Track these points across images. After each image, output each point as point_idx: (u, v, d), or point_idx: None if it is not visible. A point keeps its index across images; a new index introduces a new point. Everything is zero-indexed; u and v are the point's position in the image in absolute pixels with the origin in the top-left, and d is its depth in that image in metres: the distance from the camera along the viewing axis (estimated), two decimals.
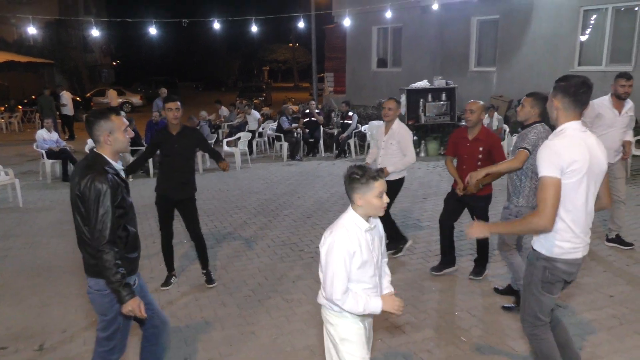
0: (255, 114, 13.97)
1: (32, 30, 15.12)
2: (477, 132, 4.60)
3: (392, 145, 5.26)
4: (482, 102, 4.69)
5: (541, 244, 2.68)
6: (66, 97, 16.51)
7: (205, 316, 4.31)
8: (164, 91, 13.66)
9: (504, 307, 4.25)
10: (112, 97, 23.21)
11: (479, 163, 4.54)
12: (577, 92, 2.55)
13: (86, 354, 3.76)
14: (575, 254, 2.63)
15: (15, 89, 26.10)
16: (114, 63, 45.55)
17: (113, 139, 2.73)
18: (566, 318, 4.02)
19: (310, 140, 12.63)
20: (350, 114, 12.43)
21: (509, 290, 4.46)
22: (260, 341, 3.88)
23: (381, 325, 4.03)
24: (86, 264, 2.74)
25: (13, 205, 8.17)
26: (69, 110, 16.58)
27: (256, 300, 4.60)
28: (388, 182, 5.04)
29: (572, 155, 2.48)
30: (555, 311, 2.94)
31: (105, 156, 2.72)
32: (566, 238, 2.59)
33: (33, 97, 25.72)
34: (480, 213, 4.66)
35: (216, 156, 5.07)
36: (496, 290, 4.58)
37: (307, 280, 5.01)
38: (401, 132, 5.25)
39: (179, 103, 4.65)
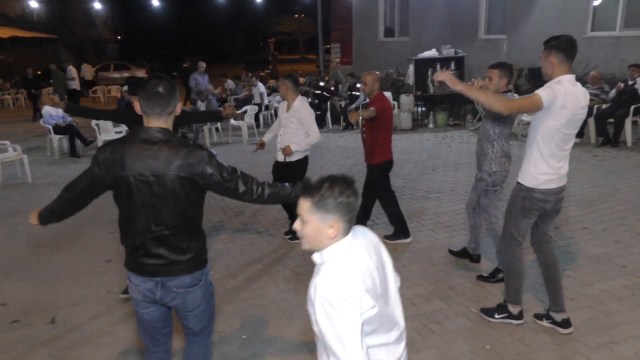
0: (260, 87, 13.82)
1: (34, 3, 14.94)
2: (370, 100, 4.96)
3: (292, 123, 5.03)
4: (377, 72, 5.15)
5: (523, 177, 3.23)
6: (74, 71, 16.40)
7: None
8: (202, 65, 13.19)
9: (478, 277, 4.28)
10: (88, 72, 22.52)
11: (363, 129, 5.01)
12: (568, 48, 3.03)
13: (97, 327, 3.80)
14: (549, 185, 3.16)
15: (19, 65, 25.97)
16: (118, 37, 45.14)
17: (179, 110, 2.41)
18: (576, 289, 4.00)
19: (317, 112, 12.50)
20: (359, 85, 12.25)
21: (463, 253, 4.65)
22: (271, 314, 3.89)
23: None
24: (172, 263, 2.30)
25: (22, 181, 8.20)
26: (76, 84, 16.46)
27: (265, 274, 4.60)
28: (291, 162, 5.09)
29: (565, 102, 2.97)
30: (554, 250, 3.51)
31: (172, 131, 2.35)
32: (543, 171, 3.14)
33: (39, 72, 25.67)
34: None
35: (215, 115, 4.89)
36: (450, 251, 4.76)
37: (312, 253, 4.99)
38: (302, 110, 5.03)
39: None
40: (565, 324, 3.40)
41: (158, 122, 2.27)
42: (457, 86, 3.00)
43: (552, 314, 3.47)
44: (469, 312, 3.75)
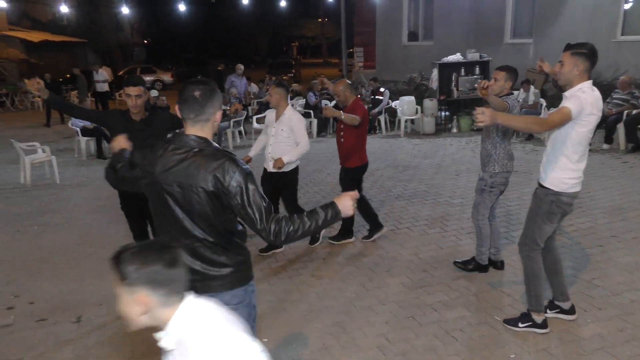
0: None
1: (64, 9, 15.33)
2: (349, 107, 5.03)
3: (283, 132, 4.92)
4: (345, 79, 5.26)
5: (550, 182, 3.26)
6: (105, 73, 16.58)
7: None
8: (240, 67, 13.15)
9: (455, 263, 4.60)
10: (107, 75, 21.12)
11: (342, 133, 5.07)
12: (594, 57, 3.12)
13: (121, 327, 3.85)
14: (576, 188, 3.27)
15: (49, 68, 26.62)
16: (145, 42, 45.94)
17: (219, 118, 2.24)
18: (604, 298, 3.90)
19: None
20: (382, 89, 12.21)
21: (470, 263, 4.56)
22: (291, 317, 3.89)
23: (412, 303, 3.99)
24: (209, 278, 2.17)
25: (50, 182, 8.38)
26: (104, 86, 16.65)
27: (286, 277, 4.61)
28: (283, 173, 4.98)
29: (592, 109, 3.08)
30: (554, 242, 3.58)
31: (210, 140, 2.19)
32: (571, 175, 3.23)
33: (67, 75, 26.26)
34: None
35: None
36: (456, 264, 4.62)
37: (336, 257, 4.98)
38: (294, 119, 4.93)
39: (142, 88, 3.78)
40: (572, 310, 3.61)
41: (194, 128, 2.16)
42: (498, 120, 3.01)
43: (559, 303, 3.60)
44: (493, 320, 3.69)
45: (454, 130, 11.73)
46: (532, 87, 10.53)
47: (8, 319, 4.07)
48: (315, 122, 12.05)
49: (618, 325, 3.52)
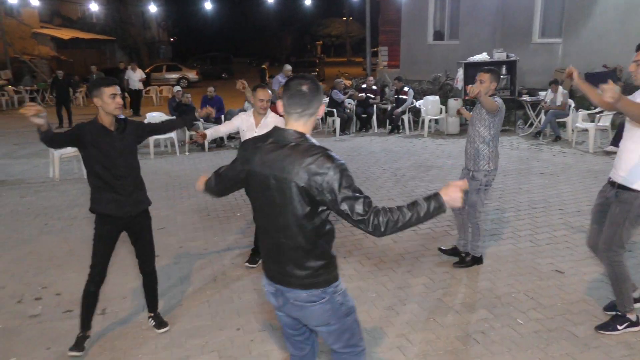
0: None
1: (94, 7, 15.62)
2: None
3: None
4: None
5: None
6: (140, 71, 17.04)
7: (257, 288, 4.37)
8: (288, 68, 12.88)
9: (440, 249, 4.87)
10: (142, 74, 18.48)
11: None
12: None
13: (144, 320, 3.92)
14: None
15: (78, 65, 27.24)
16: (171, 39, 46.60)
17: (322, 112, 2.24)
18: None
19: (363, 115, 12.47)
20: (406, 89, 12.13)
21: (454, 252, 4.77)
22: None
23: (433, 304, 3.96)
24: (288, 275, 2.21)
25: (78, 176, 8.56)
26: (139, 85, 16.92)
27: None
28: None
29: None
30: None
31: (307, 135, 2.18)
32: None
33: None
34: None
35: (185, 120, 4.29)
36: (440, 249, 4.90)
37: (357, 256, 4.98)
38: (278, 120, 4.39)
39: (117, 87, 3.44)
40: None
41: (297, 123, 2.16)
42: (621, 101, 2.87)
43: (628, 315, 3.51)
44: (515, 323, 3.64)
45: None
46: (560, 88, 10.33)
47: (36, 309, 4.18)
48: (338, 120, 12.04)
49: None
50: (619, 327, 3.46)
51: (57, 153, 8.44)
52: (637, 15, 11.32)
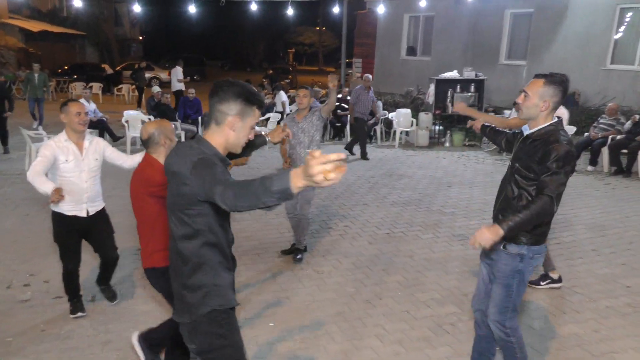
0: (282, 96, 14.16)
1: (77, 2, 15.39)
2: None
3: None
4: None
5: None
6: (179, 71, 16.07)
7: (243, 281, 4.62)
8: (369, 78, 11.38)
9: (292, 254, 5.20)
10: (181, 74, 16.30)
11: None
12: None
13: (131, 307, 4.15)
14: None
15: (46, 58, 26.68)
16: (141, 38, 45.98)
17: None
18: (583, 304, 4.26)
19: (337, 124, 12.85)
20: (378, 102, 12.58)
21: (292, 250, 5.23)
22: (295, 306, 4.19)
23: (407, 299, 4.31)
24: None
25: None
26: (180, 85, 15.93)
27: (289, 271, 4.90)
28: None
29: None
30: None
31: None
32: None
33: (66, 67, 26.34)
34: None
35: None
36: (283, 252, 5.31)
37: (336, 255, 5.29)
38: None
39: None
40: (560, 279, 4.54)
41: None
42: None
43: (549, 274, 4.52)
44: None
45: (447, 144, 12.15)
46: None
47: (26, 294, 4.32)
48: None
49: (594, 327, 3.88)
50: (542, 283, 4.50)
51: (34, 146, 8.44)
52: (595, 44, 12.16)
